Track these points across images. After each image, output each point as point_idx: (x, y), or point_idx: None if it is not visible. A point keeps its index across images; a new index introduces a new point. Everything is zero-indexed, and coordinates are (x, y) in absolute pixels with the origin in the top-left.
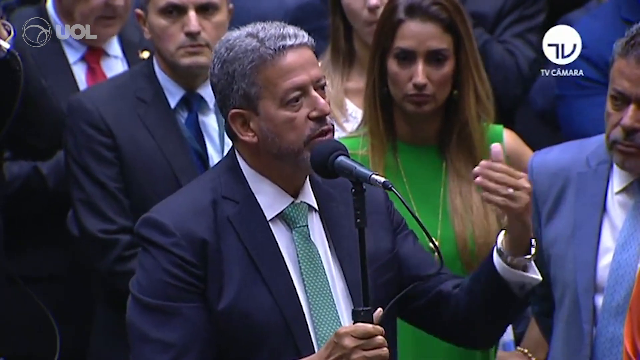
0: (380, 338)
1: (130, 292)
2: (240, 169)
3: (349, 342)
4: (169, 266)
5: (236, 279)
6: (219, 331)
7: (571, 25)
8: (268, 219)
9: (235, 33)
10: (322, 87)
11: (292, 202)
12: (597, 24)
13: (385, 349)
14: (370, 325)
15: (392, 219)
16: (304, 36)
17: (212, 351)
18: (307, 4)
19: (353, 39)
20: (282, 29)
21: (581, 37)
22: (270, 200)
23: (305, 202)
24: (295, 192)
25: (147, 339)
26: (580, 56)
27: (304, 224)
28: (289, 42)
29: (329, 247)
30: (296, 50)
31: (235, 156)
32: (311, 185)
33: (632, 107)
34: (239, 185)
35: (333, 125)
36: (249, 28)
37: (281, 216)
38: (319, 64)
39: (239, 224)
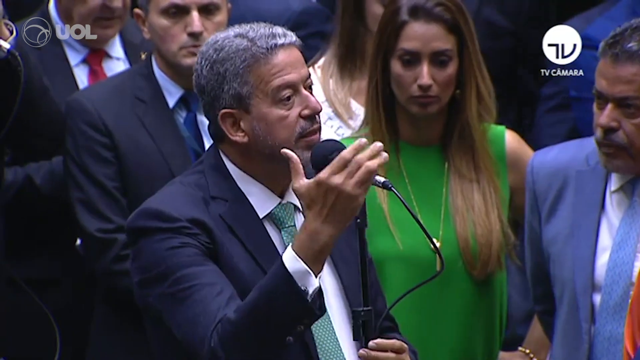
0: (359, 156)
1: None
2: (227, 169)
3: (336, 179)
4: (183, 238)
5: (244, 273)
6: None
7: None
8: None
9: (222, 34)
10: (310, 87)
11: (280, 203)
12: (613, 24)
13: (369, 163)
14: (343, 152)
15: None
16: (292, 36)
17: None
18: (313, 8)
19: (362, 40)
20: (271, 29)
21: (599, 38)
22: (259, 200)
23: (291, 203)
24: (281, 193)
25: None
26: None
27: (292, 224)
28: (279, 41)
29: None
30: (287, 49)
31: (220, 157)
32: None
33: (609, 107)
34: (227, 185)
35: (320, 123)
36: (236, 29)
37: (270, 217)
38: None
39: (233, 221)
